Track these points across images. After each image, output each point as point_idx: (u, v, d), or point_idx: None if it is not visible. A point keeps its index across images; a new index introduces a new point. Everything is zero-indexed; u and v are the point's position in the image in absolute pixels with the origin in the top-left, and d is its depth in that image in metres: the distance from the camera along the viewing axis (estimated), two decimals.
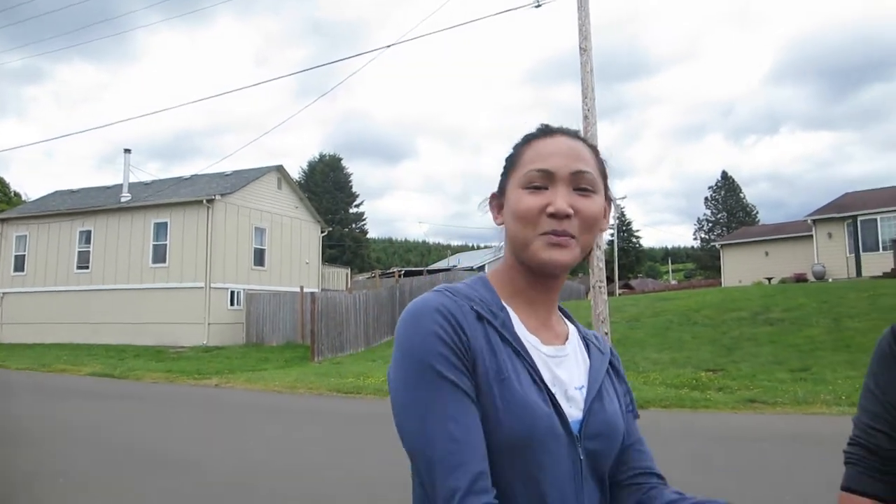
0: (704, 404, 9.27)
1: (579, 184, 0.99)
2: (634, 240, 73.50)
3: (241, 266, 23.79)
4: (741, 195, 66.72)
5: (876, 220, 25.60)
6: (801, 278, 26.40)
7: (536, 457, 0.91)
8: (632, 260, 70.20)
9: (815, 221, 27.32)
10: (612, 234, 49.85)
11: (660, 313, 18.84)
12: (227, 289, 22.83)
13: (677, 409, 9.06)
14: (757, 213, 65.46)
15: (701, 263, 60.77)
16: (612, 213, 1.10)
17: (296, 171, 60.67)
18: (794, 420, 7.97)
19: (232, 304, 22.94)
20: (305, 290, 22.84)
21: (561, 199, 0.97)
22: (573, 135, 1.05)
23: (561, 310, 1.13)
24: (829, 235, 26.77)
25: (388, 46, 15.83)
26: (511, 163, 1.05)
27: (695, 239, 68.23)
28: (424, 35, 25.28)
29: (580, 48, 11.58)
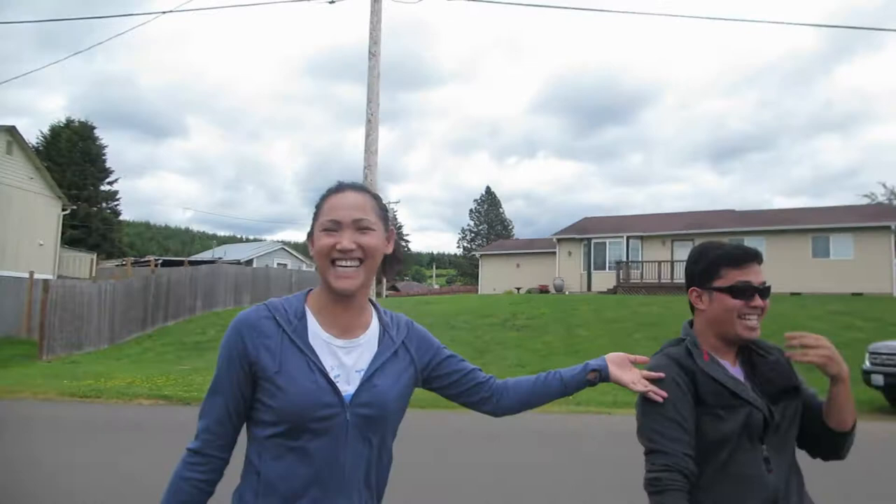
0: (453, 404, 9.94)
1: (360, 226, 1.39)
2: (404, 243, 76.40)
3: None
4: (501, 210, 73.05)
5: (606, 243, 29.89)
6: (544, 290, 29.73)
7: (312, 421, 1.33)
8: None
9: (559, 240, 31.05)
10: None
11: (423, 316, 19.83)
12: None
13: (432, 408, 9.58)
14: (513, 227, 72.22)
15: (462, 270, 65.15)
16: (394, 240, 1.51)
17: (33, 135, 52.33)
18: (531, 418, 8.92)
19: None
20: (37, 275, 19.78)
21: (346, 239, 1.37)
22: (359, 189, 1.46)
23: (377, 310, 1.52)
24: (569, 253, 30.60)
25: (165, 13, 14.50)
26: (316, 212, 1.45)
27: (458, 247, 73.00)
28: (208, 8, 23.59)
29: (370, 52, 11.73)
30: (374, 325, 1.49)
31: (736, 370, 1.62)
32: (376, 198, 1.46)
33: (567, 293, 27.93)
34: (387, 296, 37.75)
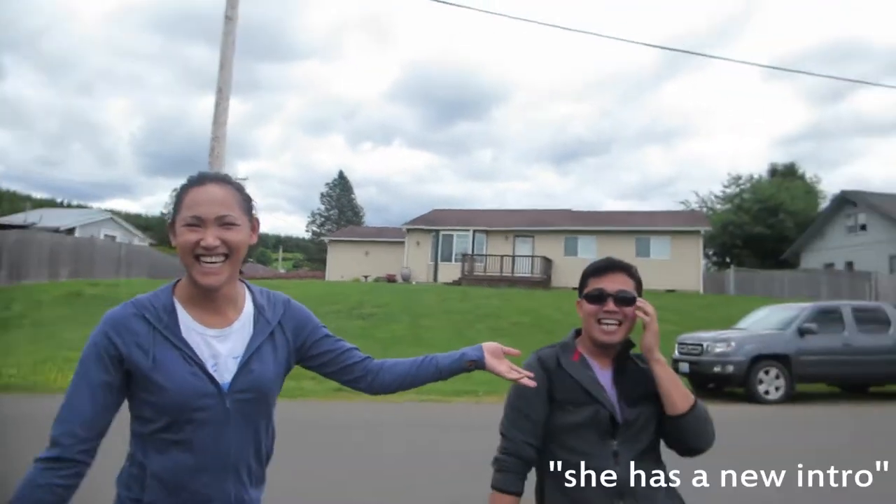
0: (298, 393, 9.68)
1: (224, 222, 1.39)
2: None
3: None
4: (353, 196, 72.35)
5: (453, 235, 30.67)
6: (391, 279, 29.89)
7: (192, 412, 1.36)
8: None
9: (408, 230, 31.35)
10: None
11: None
12: None
13: (280, 398, 9.25)
14: (364, 214, 71.85)
15: (310, 255, 63.72)
16: (258, 230, 1.51)
17: None
18: (375, 406, 8.91)
19: None
20: None
21: (210, 236, 1.37)
22: (222, 181, 1.44)
23: (252, 292, 1.53)
24: (418, 244, 31.03)
25: None
26: (177, 203, 1.43)
27: (307, 231, 71.25)
28: None
29: (226, 16, 10.97)
30: (248, 308, 1.50)
31: (604, 373, 1.74)
32: (240, 190, 1.47)
33: (414, 283, 28.31)
34: None
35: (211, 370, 1.39)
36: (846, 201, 31.35)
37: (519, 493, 1.69)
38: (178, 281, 1.48)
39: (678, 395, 1.66)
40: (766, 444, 7.75)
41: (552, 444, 1.70)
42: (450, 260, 30.23)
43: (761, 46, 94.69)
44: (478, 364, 1.64)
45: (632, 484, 1.62)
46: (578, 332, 1.84)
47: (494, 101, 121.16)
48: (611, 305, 1.70)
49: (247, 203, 1.47)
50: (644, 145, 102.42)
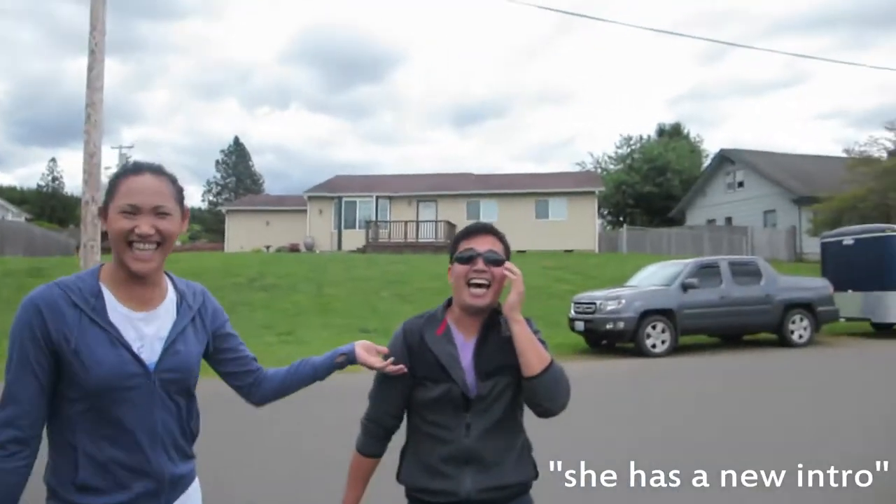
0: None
1: (159, 212, 1.47)
2: None
3: None
4: (251, 163, 69.58)
5: (356, 202, 30.32)
6: (294, 248, 29.25)
7: (120, 391, 1.42)
8: None
9: (310, 198, 30.66)
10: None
11: None
12: None
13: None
14: (263, 182, 69.36)
15: (207, 226, 61.07)
16: (188, 219, 1.60)
17: None
18: None
19: None
20: None
21: (145, 224, 1.44)
22: (158, 172, 1.51)
23: (172, 279, 1.61)
24: (321, 212, 30.44)
25: None
26: (111, 189, 1.49)
27: (203, 201, 68.10)
28: None
29: None
30: (171, 293, 1.58)
31: (468, 344, 1.77)
32: (173, 181, 1.54)
33: (318, 252, 27.86)
34: None
35: (137, 351, 1.45)
36: (725, 159, 33.46)
37: (377, 455, 1.84)
38: (102, 265, 1.54)
39: (533, 355, 1.67)
40: (653, 394, 8.34)
41: (415, 416, 1.80)
42: (353, 227, 29.92)
43: (656, 7, 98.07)
44: (349, 357, 1.75)
45: (481, 453, 1.71)
46: (450, 303, 1.86)
47: (394, 63, 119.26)
48: (480, 264, 1.73)
49: (179, 194, 1.55)
50: (542, 107, 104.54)
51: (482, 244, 1.77)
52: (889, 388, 8.44)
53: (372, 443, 1.83)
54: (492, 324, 1.79)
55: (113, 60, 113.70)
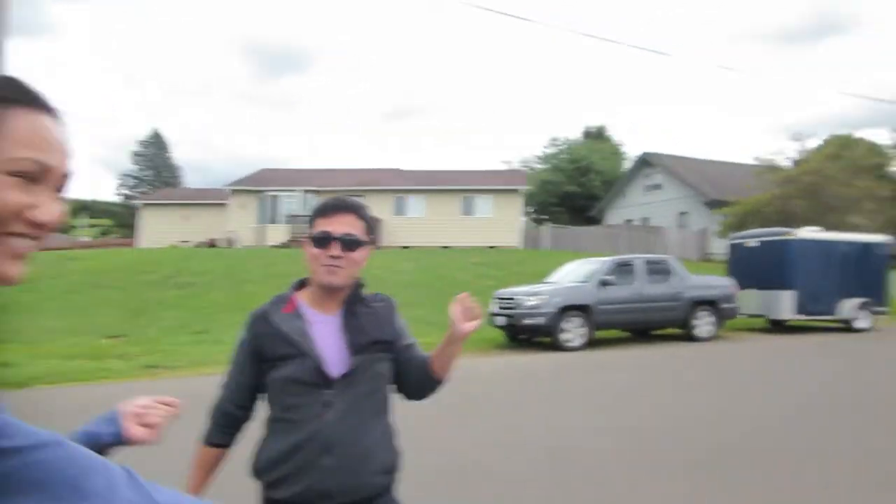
0: (102, 375, 8.90)
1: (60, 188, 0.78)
2: None
3: None
4: (169, 155, 66.78)
5: (281, 196, 29.60)
6: (214, 244, 28.28)
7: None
8: None
9: (232, 191, 29.70)
10: None
11: (65, 274, 17.21)
12: None
13: (69, 383, 8.41)
14: (183, 175, 66.71)
15: (121, 221, 58.19)
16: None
17: None
18: (189, 382, 8.46)
19: None
20: None
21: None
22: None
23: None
24: (243, 206, 29.55)
25: None
26: None
27: (117, 195, 64.85)
28: None
29: None
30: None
31: (330, 319, 1.69)
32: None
33: (239, 247, 27.06)
34: None
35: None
36: (646, 162, 34.74)
37: (223, 446, 1.74)
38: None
39: (449, 366, 1.75)
40: (568, 386, 8.56)
41: (269, 402, 1.69)
42: (277, 222, 29.22)
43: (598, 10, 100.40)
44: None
45: (342, 435, 1.60)
46: (302, 284, 1.79)
47: (322, 54, 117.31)
48: (336, 250, 1.63)
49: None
50: (472, 105, 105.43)
51: (339, 225, 1.64)
52: (781, 379, 9.01)
53: (216, 432, 1.74)
54: (355, 298, 1.73)
55: (21, 38, 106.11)
